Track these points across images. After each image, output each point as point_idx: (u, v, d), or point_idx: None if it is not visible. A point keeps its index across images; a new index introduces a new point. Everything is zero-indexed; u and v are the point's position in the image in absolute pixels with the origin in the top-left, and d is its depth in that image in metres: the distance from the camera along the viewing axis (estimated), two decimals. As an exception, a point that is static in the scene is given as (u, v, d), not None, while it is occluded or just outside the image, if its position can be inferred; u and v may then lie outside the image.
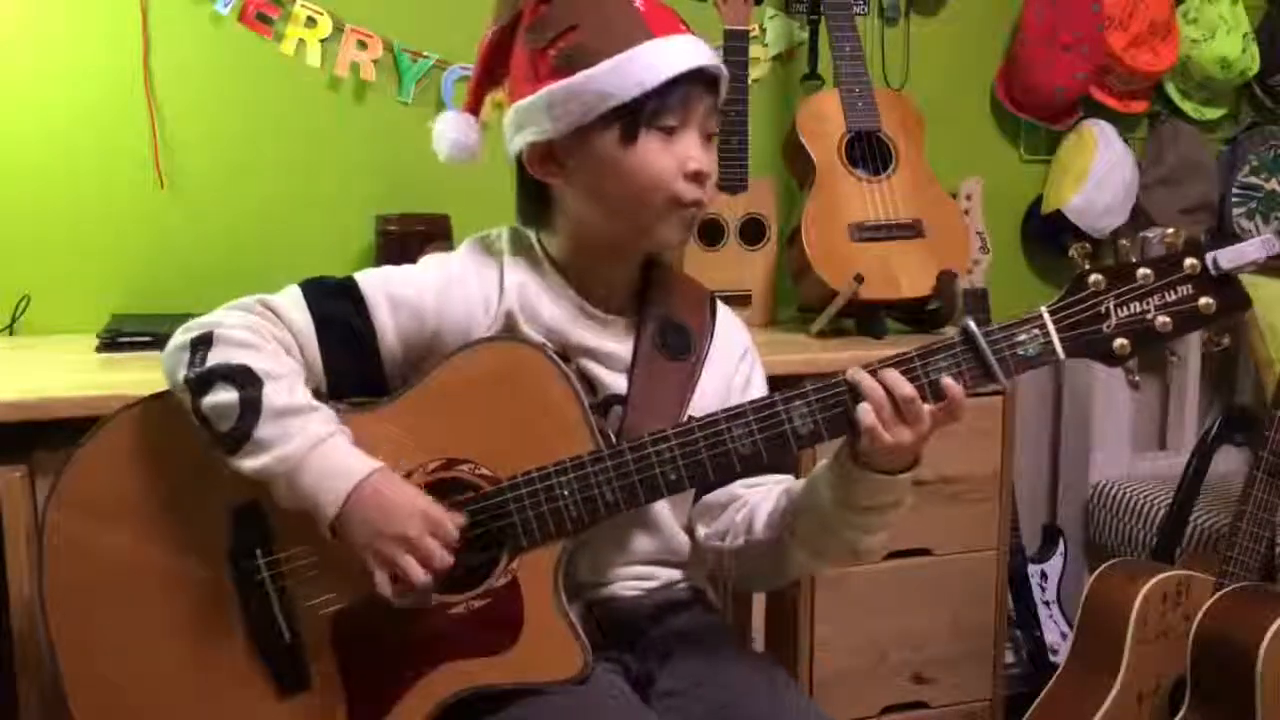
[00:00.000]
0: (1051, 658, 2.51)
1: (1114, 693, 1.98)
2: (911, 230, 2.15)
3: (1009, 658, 2.43)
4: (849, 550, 1.26)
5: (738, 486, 1.35)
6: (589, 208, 1.29)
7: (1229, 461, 2.50)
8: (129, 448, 1.25)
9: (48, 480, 1.40)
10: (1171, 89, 2.75)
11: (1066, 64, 2.54)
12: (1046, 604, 2.58)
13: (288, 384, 1.18)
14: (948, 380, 1.15)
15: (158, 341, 1.80)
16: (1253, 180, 2.80)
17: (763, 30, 2.45)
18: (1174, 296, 1.16)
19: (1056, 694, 2.11)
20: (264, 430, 1.15)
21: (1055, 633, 2.55)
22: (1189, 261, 1.16)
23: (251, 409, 1.15)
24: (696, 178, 1.27)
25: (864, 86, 2.19)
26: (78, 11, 2.07)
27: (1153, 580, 2.00)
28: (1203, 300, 1.16)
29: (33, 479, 1.54)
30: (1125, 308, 1.16)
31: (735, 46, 2.18)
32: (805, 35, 2.43)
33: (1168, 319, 1.16)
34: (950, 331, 2.08)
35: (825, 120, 2.19)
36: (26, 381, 1.68)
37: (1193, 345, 2.75)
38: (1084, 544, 2.71)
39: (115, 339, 1.88)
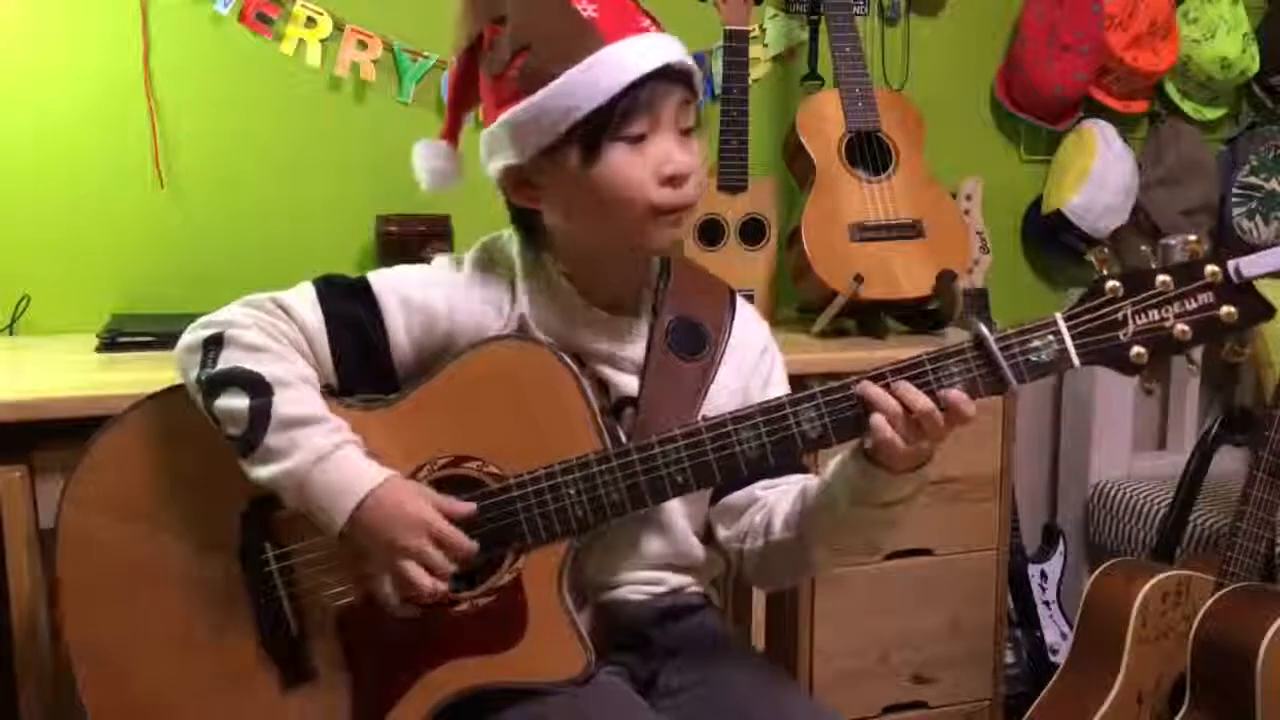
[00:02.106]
0: (1051, 658, 2.51)
1: (1114, 693, 1.98)
2: (911, 230, 2.15)
3: (1009, 658, 2.43)
4: (865, 544, 1.27)
5: (757, 488, 1.33)
6: (570, 227, 1.27)
7: (1229, 461, 2.49)
8: (141, 443, 1.25)
9: (48, 480, 1.39)
10: (1171, 89, 2.75)
11: (1066, 64, 2.54)
12: (1046, 604, 2.57)
13: (297, 392, 1.18)
14: (956, 394, 1.13)
15: (157, 341, 1.82)
16: (1253, 180, 2.80)
17: (763, 30, 2.45)
18: (1194, 304, 1.13)
19: (1056, 694, 2.10)
20: (272, 440, 1.15)
21: (1055, 633, 2.55)
22: (1210, 269, 1.12)
23: (261, 417, 1.15)
24: (673, 181, 1.21)
25: (864, 86, 2.19)
26: (78, 11, 2.07)
27: (1153, 580, 1.99)
28: (1224, 309, 1.12)
29: (33, 479, 1.54)
30: (1143, 315, 1.13)
31: (735, 46, 2.18)
32: (805, 35, 2.43)
33: (1187, 327, 1.13)
34: (950, 332, 2.12)
35: (825, 120, 2.19)
36: (26, 381, 1.68)
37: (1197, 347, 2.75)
38: (1084, 544, 2.71)
39: (115, 339, 1.89)
